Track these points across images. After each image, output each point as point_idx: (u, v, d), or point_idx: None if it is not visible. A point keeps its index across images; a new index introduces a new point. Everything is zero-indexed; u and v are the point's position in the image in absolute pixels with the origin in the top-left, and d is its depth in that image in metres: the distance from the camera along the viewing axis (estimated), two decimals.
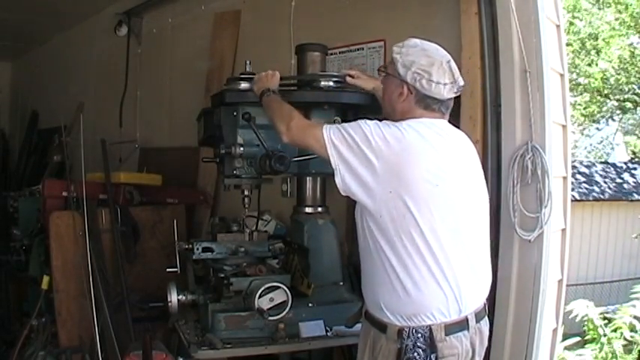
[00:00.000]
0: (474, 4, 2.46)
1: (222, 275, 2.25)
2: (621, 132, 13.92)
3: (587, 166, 10.97)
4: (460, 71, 1.83)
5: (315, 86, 2.42)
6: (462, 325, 1.68)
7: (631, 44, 10.95)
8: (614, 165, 11.58)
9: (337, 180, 1.72)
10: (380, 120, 1.76)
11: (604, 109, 12.40)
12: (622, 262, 9.56)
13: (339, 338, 2.27)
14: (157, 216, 3.47)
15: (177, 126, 4.20)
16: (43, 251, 3.29)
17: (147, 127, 4.65)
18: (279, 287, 2.16)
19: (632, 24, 10.62)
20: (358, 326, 1.95)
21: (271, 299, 2.14)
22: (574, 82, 10.71)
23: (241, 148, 2.30)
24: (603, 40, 10.74)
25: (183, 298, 2.30)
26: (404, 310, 1.67)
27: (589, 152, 14.06)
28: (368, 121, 1.73)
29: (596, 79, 10.95)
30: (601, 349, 4.61)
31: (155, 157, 4.39)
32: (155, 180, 3.79)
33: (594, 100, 11.78)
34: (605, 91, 11.41)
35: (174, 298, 2.28)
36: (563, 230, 2.54)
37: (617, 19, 10.73)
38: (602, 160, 12.85)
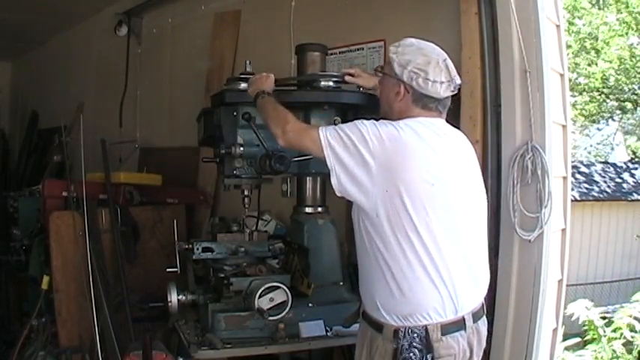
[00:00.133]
0: (474, 4, 2.46)
1: (222, 275, 2.25)
2: (621, 132, 13.94)
3: (587, 166, 10.98)
4: (460, 71, 1.84)
5: (315, 86, 2.42)
6: (458, 325, 1.68)
7: (631, 45, 10.96)
8: (614, 165, 11.59)
9: (333, 180, 1.72)
10: (377, 120, 1.76)
11: (604, 109, 12.41)
12: (622, 262, 9.56)
13: (339, 338, 2.27)
14: (157, 216, 3.47)
15: (178, 126, 4.20)
16: (43, 251, 3.28)
17: (147, 127, 4.65)
18: (279, 287, 2.16)
19: (633, 24, 10.62)
20: (357, 326, 1.95)
21: (271, 299, 2.15)
22: (574, 82, 10.72)
23: (241, 148, 2.30)
24: (602, 41, 10.75)
25: (183, 298, 2.30)
26: (400, 310, 1.67)
27: (589, 152, 14.07)
28: (365, 121, 1.73)
29: (596, 79, 10.96)
30: (601, 350, 4.61)
31: (155, 157, 4.38)
32: (155, 180, 3.79)
33: (594, 100, 11.79)
34: (605, 91, 11.42)
35: (174, 298, 2.28)
36: (563, 230, 2.54)
37: (617, 20, 10.74)
38: (602, 160, 12.86)
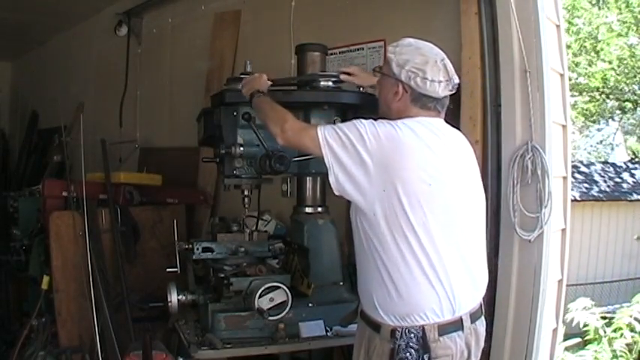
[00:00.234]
0: (474, 4, 2.46)
1: (222, 275, 2.25)
2: (621, 132, 13.93)
3: (586, 166, 10.98)
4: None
5: (315, 86, 2.42)
6: (456, 325, 1.68)
7: (631, 45, 10.96)
8: (613, 165, 11.59)
9: (331, 179, 1.72)
10: (376, 120, 1.76)
11: (604, 109, 12.41)
12: (622, 262, 9.57)
13: (339, 338, 2.27)
14: (157, 216, 3.48)
15: (178, 126, 4.20)
16: (43, 251, 3.29)
17: (147, 127, 4.65)
18: (279, 287, 2.16)
19: (634, 24, 10.62)
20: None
21: (271, 299, 2.14)
22: (574, 82, 10.72)
23: (241, 148, 2.30)
24: (602, 41, 10.75)
25: (183, 298, 2.30)
26: (397, 310, 1.67)
27: (589, 152, 14.07)
28: (363, 120, 1.73)
29: (596, 79, 10.96)
30: (602, 350, 4.61)
31: (155, 157, 4.38)
32: (155, 180, 3.79)
33: (594, 100, 11.79)
34: (605, 91, 11.42)
35: (174, 298, 2.28)
36: (563, 230, 2.54)
37: (618, 20, 10.73)
38: (602, 160, 12.86)
